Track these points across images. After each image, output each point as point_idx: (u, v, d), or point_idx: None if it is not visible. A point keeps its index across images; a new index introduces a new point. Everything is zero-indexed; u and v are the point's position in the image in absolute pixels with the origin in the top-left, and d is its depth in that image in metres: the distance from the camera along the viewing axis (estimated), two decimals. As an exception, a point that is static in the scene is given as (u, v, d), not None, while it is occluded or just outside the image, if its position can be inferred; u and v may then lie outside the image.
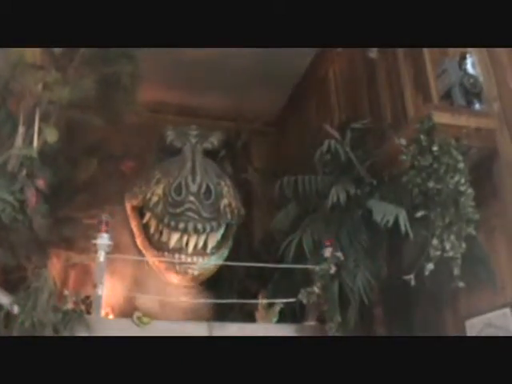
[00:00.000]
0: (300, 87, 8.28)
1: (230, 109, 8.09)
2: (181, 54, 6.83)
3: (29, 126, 5.27)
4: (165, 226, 5.81)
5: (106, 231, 5.14)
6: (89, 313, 4.95)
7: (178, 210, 5.72)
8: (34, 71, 5.27)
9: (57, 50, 5.33)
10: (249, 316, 5.94)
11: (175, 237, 5.80)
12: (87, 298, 5.21)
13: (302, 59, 7.62)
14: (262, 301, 5.87)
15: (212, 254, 6.02)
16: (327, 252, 5.35)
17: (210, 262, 6.04)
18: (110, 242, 5.11)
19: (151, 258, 6.04)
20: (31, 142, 5.26)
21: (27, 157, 5.21)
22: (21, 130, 5.25)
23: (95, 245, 5.09)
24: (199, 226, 5.75)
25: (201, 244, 5.86)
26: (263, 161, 7.00)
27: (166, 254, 5.90)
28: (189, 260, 5.86)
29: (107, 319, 5.39)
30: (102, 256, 5.04)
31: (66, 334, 4.51)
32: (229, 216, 6.11)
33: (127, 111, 5.93)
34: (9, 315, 4.61)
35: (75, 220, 5.78)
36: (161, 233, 5.94)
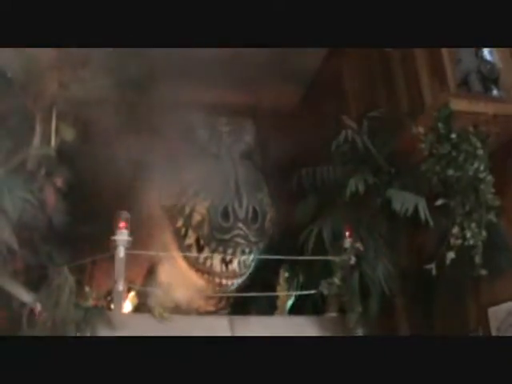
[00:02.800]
0: (316, 79, 8.24)
1: (248, 104, 8.06)
2: (196, 50, 6.81)
3: (46, 125, 5.31)
4: (211, 249, 5.80)
5: (126, 227, 5.16)
6: (110, 309, 4.98)
7: (226, 237, 5.69)
8: (49, 71, 5.31)
9: (72, 50, 5.35)
10: (271, 308, 5.98)
11: (219, 257, 5.81)
12: (108, 294, 5.24)
13: (317, 50, 7.57)
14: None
15: (248, 268, 6.05)
16: (347, 243, 5.34)
17: (245, 276, 6.08)
18: (129, 238, 5.12)
19: (188, 272, 6.06)
20: (49, 141, 5.30)
21: (45, 156, 5.25)
22: (38, 129, 5.29)
23: (115, 241, 5.10)
24: (247, 250, 5.77)
25: (242, 260, 5.87)
26: (281, 153, 6.96)
27: (205, 276, 5.91)
28: (229, 283, 5.90)
29: (128, 314, 5.41)
30: (121, 252, 5.05)
31: (88, 330, 4.54)
32: (271, 230, 6.10)
33: (145, 110, 5.95)
34: (32, 313, 4.66)
35: (95, 217, 5.81)
36: (201, 248, 5.92)
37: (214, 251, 5.76)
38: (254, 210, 5.69)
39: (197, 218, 5.86)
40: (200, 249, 5.90)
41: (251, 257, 5.89)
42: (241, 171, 6.00)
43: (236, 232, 5.66)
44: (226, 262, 5.82)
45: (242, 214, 5.63)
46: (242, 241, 5.69)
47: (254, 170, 6.33)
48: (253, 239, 5.74)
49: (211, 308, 6.08)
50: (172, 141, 5.87)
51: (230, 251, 5.71)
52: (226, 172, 5.96)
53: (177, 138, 5.93)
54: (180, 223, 6.01)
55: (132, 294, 5.79)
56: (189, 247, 5.98)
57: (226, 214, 5.63)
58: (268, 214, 5.95)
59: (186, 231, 5.97)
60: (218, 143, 6.36)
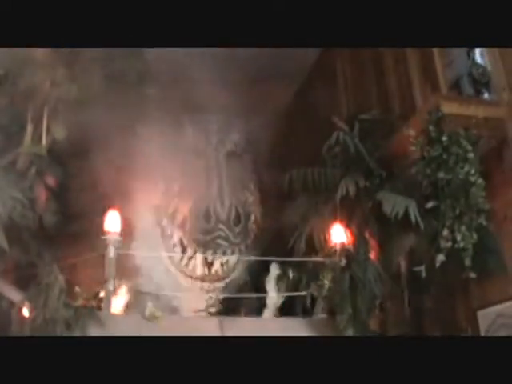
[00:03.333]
0: (308, 79, 8.25)
1: (240, 103, 8.04)
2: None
3: (37, 123, 5.29)
4: (192, 249, 5.79)
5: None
6: (100, 308, 4.96)
7: (208, 238, 5.70)
8: (41, 69, 5.28)
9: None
10: (261, 306, 6.00)
11: (201, 260, 5.81)
12: (98, 293, 5.22)
13: (310, 52, 7.58)
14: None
15: (232, 272, 6.05)
16: (337, 245, 5.34)
17: (228, 280, 6.08)
18: (119, 238, 5.10)
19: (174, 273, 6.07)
20: (40, 140, 5.27)
21: (36, 154, 5.23)
22: (29, 128, 5.27)
23: (105, 241, 5.08)
24: (228, 251, 5.77)
25: (225, 262, 5.87)
26: (272, 154, 6.95)
27: (189, 280, 5.92)
28: (211, 287, 5.91)
29: (118, 314, 5.39)
30: (111, 252, 5.04)
31: (77, 329, 4.52)
32: (255, 231, 6.08)
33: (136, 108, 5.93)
34: (21, 312, 4.64)
35: (85, 216, 5.79)
36: (184, 248, 5.90)
37: (195, 252, 5.77)
38: (237, 212, 5.70)
39: (179, 218, 5.86)
40: (184, 249, 5.91)
41: (234, 259, 5.91)
42: (225, 170, 5.99)
43: (217, 233, 5.68)
44: (208, 265, 5.83)
45: (223, 215, 5.65)
46: (223, 242, 5.71)
47: (241, 169, 6.33)
48: (235, 240, 5.75)
49: (201, 306, 6.09)
50: (158, 138, 5.86)
51: (210, 252, 5.72)
52: (210, 171, 5.96)
53: (163, 136, 5.92)
54: (165, 222, 6.02)
55: (124, 288, 5.79)
56: (174, 247, 5.99)
57: (207, 216, 5.64)
58: (252, 214, 5.96)
59: (171, 230, 5.98)
60: (205, 141, 6.35)
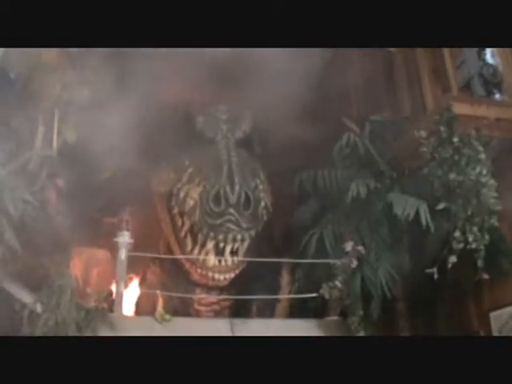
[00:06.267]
0: (319, 81, 8.23)
1: (250, 105, 8.04)
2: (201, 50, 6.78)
3: (48, 126, 5.31)
4: (203, 235, 5.78)
5: (127, 229, 5.16)
6: (111, 310, 4.97)
7: (218, 222, 5.64)
8: (51, 72, 5.31)
9: (73, 50, 5.35)
10: (271, 309, 6.01)
11: (211, 243, 5.80)
12: (109, 295, 5.23)
13: (321, 53, 7.56)
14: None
15: (241, 263, 6.04)
16: (348, 246, 5.33)
17: (238, 271, 6.08)
18: (130, 240, 5.12)
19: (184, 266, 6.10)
20: (51, 143, 5.30)
21: (47, 157, 5.25)
22: (40, 130, 5.29)
23: (116, 243, 5.10)
24: (238, 237, 5.75)
25: (235, 248, 5.86)
26: (282, 156, 6.93)
27: (198, 270, 5.93)
28: (221, 277, 5.92)
29: (129, 316, 5.40)
30: (123, 254, 5.06)
31: (88, 331, 4.54)
32: (265, 218, 6.06)
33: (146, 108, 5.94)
34: (33, 314, 4.65)
35: (96, 218, 5.81)
36: (195, 236, 5.89)
37: (206, 237, 5.77)
38: (247, 196, 5.70)
39: (190, 203, 5.87)
40: (194, 236, 5.91)
41: (245, 245, 5.90)
42: (235, 157, 6.00)
43: (227, 217, 5.67)
44: (219, 257, 5.84)
45: (233, 199, 5.64)
46: (233, 226, 5.70)
47: (250, 157, 6.35)
48: (244, 225, 5.75)
49: (213, 300, 6.11)
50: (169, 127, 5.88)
51: (221, 237, 5.72)
52: (220, 157, 5.97)
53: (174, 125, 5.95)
54: (176, 210, 6.04)
55: (135, 281, 5.82)
56: (184, 237, 6.00)
57: (217, 199, 5.64)
58: (262, 200, 5.96)
59: (182, 220, 6.00)
60: (215, 129, 6.38)
